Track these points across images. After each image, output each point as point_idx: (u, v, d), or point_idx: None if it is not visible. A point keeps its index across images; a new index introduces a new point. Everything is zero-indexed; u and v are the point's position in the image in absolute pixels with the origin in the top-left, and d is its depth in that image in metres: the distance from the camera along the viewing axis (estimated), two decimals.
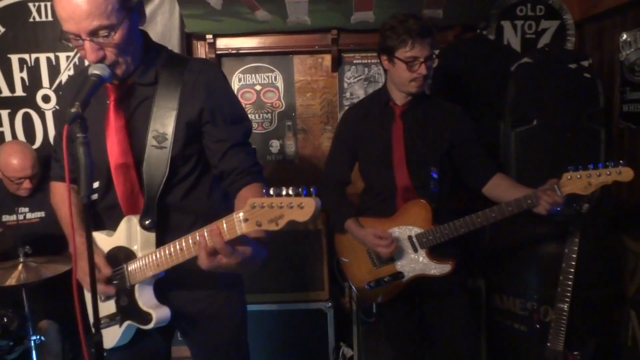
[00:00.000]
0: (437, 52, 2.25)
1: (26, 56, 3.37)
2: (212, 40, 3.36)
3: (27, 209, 3.00)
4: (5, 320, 2.60)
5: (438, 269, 2.23)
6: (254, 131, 3.34)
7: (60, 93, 3.15)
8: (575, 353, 2.25)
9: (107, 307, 1.63)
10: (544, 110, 2.80)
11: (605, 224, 2.66)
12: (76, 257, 1.39)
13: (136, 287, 1.57)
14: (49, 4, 3.31)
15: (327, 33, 3.37)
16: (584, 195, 2.00)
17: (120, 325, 1.62)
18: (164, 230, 1.59)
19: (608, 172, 1.93)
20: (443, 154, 2.28)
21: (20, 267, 2.40)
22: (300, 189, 1.15)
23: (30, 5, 3.32)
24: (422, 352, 2.48)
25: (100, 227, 1.68)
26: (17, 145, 3.01)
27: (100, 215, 1.71)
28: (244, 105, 1.71)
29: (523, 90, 2.82)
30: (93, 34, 1.37)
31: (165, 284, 1.61)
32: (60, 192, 1.77)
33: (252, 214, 1.21)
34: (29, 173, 2.88)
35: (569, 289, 2.21)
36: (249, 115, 3.15)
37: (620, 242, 2.67)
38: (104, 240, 1.65)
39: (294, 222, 1.16)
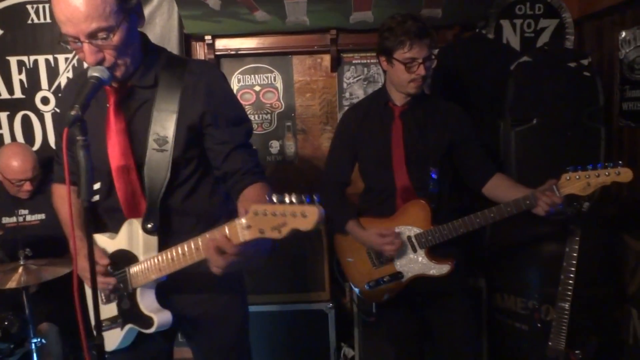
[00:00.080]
0: (436, 52, 2.25)
1: (25, 58, 3.37)
2: (211, 41, 3.36)
3: (26, 211, 3.00)
4: (6, 323, 2.60)
5: (437, 269, 2.23)
6: (253, 132, 3.34)
7: (60, 96, 3.15)
8: (576, 352, 2.25)
9: (109, 310, 1.63)
10: (543, 109, 2.80)
11: (606, 222, 2.66)
12: (76, 254, 1.38)
13: (138, 290, 1.57)
14: (47, 5, 3.31)
15: (326, 33, 3.36)
16: (585, 195, 2.00)
17: (122, 329, 1.62)
18: (165, 234, 1.58)
19: (607, 173, 1.92)
20: (443, 154, 2.28)
21: (20, 269, 2.39)
22: (303, 197, 1.15)
23: (29, 7, 3.32)
24: (423, 353, 2.48)
25: (102, 230, 1.68)
26: (17, 147, 3.01)
27: (103, 217, 1.71)
28: (243, 106, 1.71)
29: (523, 89, 2.82)
30: (92, 36, 1.36)
31: (167, 287, 1.61)
32: (61, 194, 1.77)
33: (254, 221, 1.20)
34: (30, 175, 2.88)
35: (570, 287, 2.21)
36: (249, 116, 3.16)
37: (620, 241, 2.67)
38: (106, 243, 1.65)
39: (297, 231, 1.14)
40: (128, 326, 1.61)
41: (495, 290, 2.87)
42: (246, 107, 3.48)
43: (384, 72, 2.30)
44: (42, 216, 3.00)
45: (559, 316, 2.24)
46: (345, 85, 3.53)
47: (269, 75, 3.52)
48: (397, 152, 2.28)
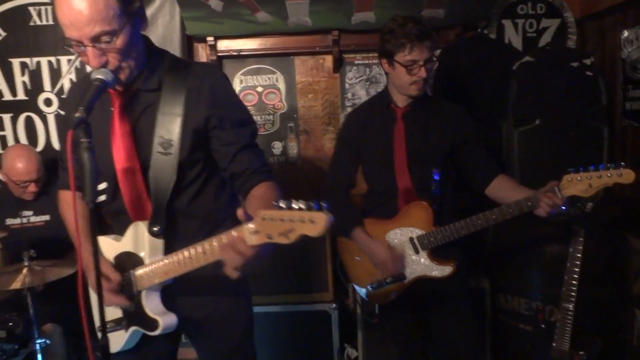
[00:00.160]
0: (437, 52, 2.25)
1: (27, 60, 3.38)
2: (213, 42, 3.37)
3: (31, 213, 3.01)
4: (11, 324, 2.60)
5: (439, 270, 2.23)
6: None
7: (64, 99, 3.15)
8: (581, 353, 2.24)
9: (113, 312, 1.64)
10: (546, 109, 2.79)
11: (610, 223, 2.65)
12: (85, 268, 1.38)
13: (143, 293, 1.58)
14: (49, 7, 3.32)
15: (328, 34, 3.36)
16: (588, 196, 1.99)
17: (126, 330, 1.62)
18: (171, 236, 1.59)
19: (609, 174, 1.91)
20: (445, 156, 2.28)
21: (25, 270, 2.40)
22: (312, 203, 1.14)
23: (31, 9, 3.33)
24: (426, 354, 2.48)
25: (107, 232, 1.69)
26: (22, 149, 3.02)
27: (108, 220, 1.71)
28: (247, 108, 1.71)
29: (525, 89, 2.82)
30: (95, 39, 1.36)
31: (172, 290, 1.61)
32: (67, 201, 1.77)
33: (262, 226, 1.20)
34: (34, 177, 2.88)
35: (574, 288, 2.20)
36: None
37: (624, 241, 2.66)
38: (111, 245, 1.65)
39: (305, 237, 1.15)
40: (132, 328, 1.61)
41: (499, 291, 2.86)
42: (248, 108, 3.48)
43: (386, 74, 2.30)
44: (46, 217, 3.01)
45: (563, 317, 2.24)
46: (347, 85, 3.53)
47: (271, 76, 3.52)
48: (399, 154, 2.28)
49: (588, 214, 2.16)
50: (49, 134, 3.44)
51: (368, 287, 2.32)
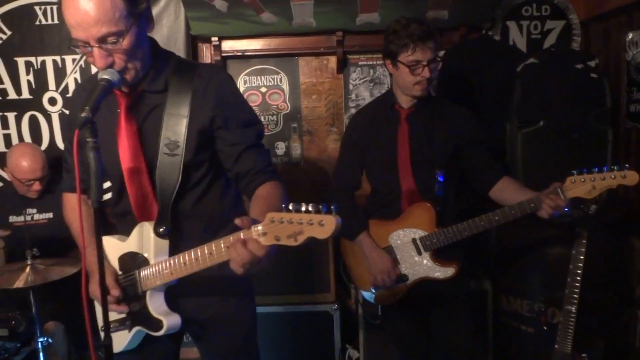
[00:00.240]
0: (441, 54, 2.26)
1: (32, 59, 3.38)
2: (217, 43, 3.37)
3: (34, 210, 3.02)
4: (13, 322, 2.61)
5: (442, 272, 2.23)
6: None
7: (70, 99, 3.16)
8: (583, 355, 2.24)
9: (117, 312, 1.64)
10: (550, 110, 2.79)
11: (613, 225, 2.65)
12: (89, 272, 1.38)
13: (148, 293, 1.58)
14: (54, 7, 3.33)
15: (332, 35, 3.36)
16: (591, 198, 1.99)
17: (130, 330, 1.62)
18: (176, 237, 1.59)
19: (612, 176, 1.91)
20: (449, 157, 2.28)
21: (27, 269, 2.40)
22: (320, 206, 1.14)
23: (37, 8, 3.33)
24: (428, 355, 2.48)
25: (111, 233, 1.69)
26: (26, 147, 3.04)
27: (113, 222, 1.72)
28: (253, 109, 1.72)
29: (529, 91, 2.82)
30: (102, 40, 1.37)
31: (176, 290, 1.62)
32: (72, 205, 1.77)
33: (270, 228, 1.20)
34: (39, 175, 2.90)
35: (577, 290, 2.20)
36: None
37: (627, 243, 2.66)
38: (116, 245, 1.65)
39: (313, 239, 1.15)
40: (136, 328, 1.62)
41: (501, 292, 2.86)
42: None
43: (390, 75, 2.31)
44: (50, 215, 3.02)
45: (566, 319, 2.23)
46: (351, 86, 3.53)
47: (275, 76, 3.53)
48: (403, 155, 2.28)
49: (591, 216, 2.16)
50: (53, 133, 3.45)
51: (371, 288, 2.32)
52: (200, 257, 1.44)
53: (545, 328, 2.39)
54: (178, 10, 3.31)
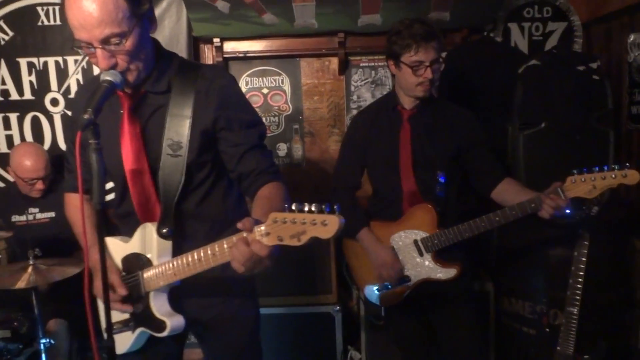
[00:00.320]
0: (443, 55, 2.26)
1: (35, 60, 3.39)
2: (219, 44, 3.37)
3: (37, 210, 3.03)
4: (16, 324, 2.62)
5: (444, 273, 2.23)
6: None
7: (72, 101, 3.17)
8: (585, 357, 2.24)
9: (120, 313, 1.64)
10: (552, 112, 2.79)
11: (615, 226, 2.65)
12: (92, 272, 1.38)
13: (151, 294, 1.58)
14: (57, 8, 3.33)
15: (334, 36, 3.37)
16: (592, 198, 1.99)
17: (133, 332, 1.63)
18: (180, 238, 1.60)
19: (613, 175, 1.90)
20: (450, 158, 2.28)
21: (29, 269, 2.40)
22: (323, 206, 1.15)
23: (39, 9, 3.34)
24: (430, 356, 2.48)
25: (114, 234, 1.69)
26: (30, 146, 3.05)
27: (116, 223, 1.72)
28: (255, 110, 1.72)
29: (531, 92, 2.81)
30: (105, 41, 1.37)
31: (180, 291, 1.62)
32: (74, 204, 1.78)
33: (273, 228, 1.20)
34: (42, 174, 2.91)
35: (579, 292, 2.20)
36: None
37: (630, 244, 2.66)
38: (119, 246, 1.65)
39: (317, 239, 1.15)
40: (140, 329, 1.62)
41: (503, 294, 2.86)
42: None
43: (393, 75, 2.31)
44: (52, 214, 3.03)
45: (568, 321, 2.23)
46: (353, 88, 3.53)
47: (277, 77, 3.53)
48: (405, 156, 2.28)
49: (593, 217, 2.16)
50: (55, 133, 3.46)
51: (374, 289, 2.32)
52: (203, 257, 1.44)
53: (547, 329, 2.39)
54: (180, 12, 3.32)
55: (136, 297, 1.59)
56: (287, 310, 3.02)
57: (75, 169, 1.33)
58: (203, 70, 1.60)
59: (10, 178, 3.13)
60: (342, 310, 3.02)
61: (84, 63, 3.39)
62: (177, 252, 1.56)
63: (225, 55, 3.42)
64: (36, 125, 3.45)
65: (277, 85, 3.54)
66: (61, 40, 3.35)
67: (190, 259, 1.48)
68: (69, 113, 3.37)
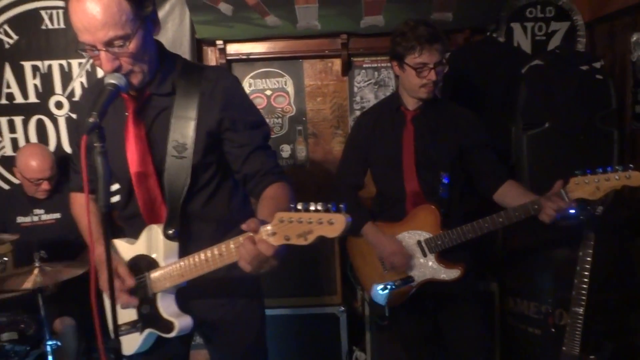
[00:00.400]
0: (447, 56, 2.26)
1: (39, 63, 3.40)
2: (222, 46, 3.38)
3: (42, 211, 3.04)
4: (22, 325, 2.63)
5: (447, 273, 2.23)
6: None
7: (77, 102, 3.18)
8: (591, 357, 2.23)
9: (128, 314, 1.65)
10: (555, 112, 2.79)
11: (620, 226, 2.64)
12: (97, 267, 1.39)
13: (158, 295, 1.59)
14: (60, 11, 3.35)
15: (337, 37, 3.37)
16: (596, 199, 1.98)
17: (141, 333, 1.63)
18: (186, 239, 1.60)
19: (617, 177, 1.89)
20: (454, 159, 2.28)
21: (35, 271, 2.41)
22: (329, 205, 1.15)
23: (43, 12, 3.35)
24: (435, 356, 2.48)
25: (119, 236, 1.70)
26: (35, 147, 3.08)
27: (121, 225, 1.73)
28: (259, 110, 1.72)
29: (534, 92, 2.81)
30: (108, 44, 1.38)
31: (186, 292, 1.62)
32: (80, 203, 1.79)
33: (280, 227, 1.21)
34: (48, 175, 2.93)
35: (584, 292, 2.19)
36: None
37: (634, 244, 2.65)
38: (125, 248, 1.66)
39: (323, 238, 1.15)
40: (147, 330, 1.62)
41: (508, 294, 2.86)
42: None
43: (397, 76, 2.31)
44: (57, 215, 3.04)
45: (573, 321, 2.22)
46: (356, 89, 3.53)
47: (280, 79, 3.54)
48: (408, 157, 2.28)
49: (598, 217, 2.15)
50: (59, 136, 3.47)
51: (378, 289, 2.32)
52: (210, 258, 1.45)
53: (552, 330, 2.38)
54: (183, 14, 3.32)
55: (143, 298, 1.60)
56: (292, 311, 3.03)
57: (81, 170, 1.33)
58: (207, 71, 1.61)
59: (16, 180, 3.14)
60: (347, 310, 3.02)
61: (88, 66, 3.40)
62: (183, 253, 1.56)
63: (228, 57, 3.43)
64: (41, 128, 3.46)
65: (281, 86, 3.55)
66: (65, 43, 3.36)
67: (197, 260, 1.49)
68: (74, 116, 3.38)
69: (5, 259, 2.87)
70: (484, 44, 3.38)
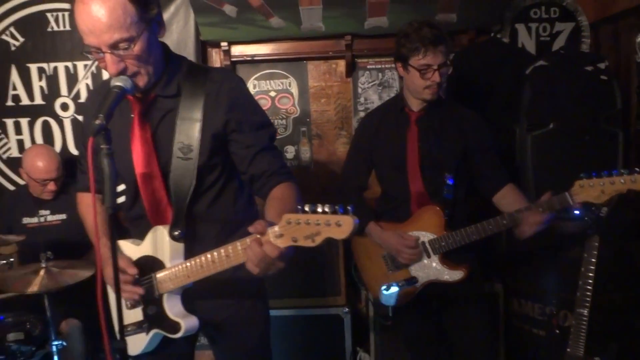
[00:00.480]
0: (451, 57, 2.26)
1: (45, 65, 3.43)
2: (227, 48, 3.39)
3: (48, 212, 3.06)
4: (29, 326, 2.64)
5: (451, 275, 2.23)
6: None
7: (83, 104, 3.19)
8: (595, 358, 2.22)
9: (134, 315, 1.66)
10: (560, 113, 2.78)
11: (625, 227, 2.63)
12: (102, 264, 1.40)
13: (164, 296, 1.60)
14: (66, 14, 3.37)
15: (341, 39, 3.38)
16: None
17: (147, 333, 1.64)
18: (191, 240, 1.61)
19: (622, 181, 1.89)
20: (458, 161, 2.28)
21: (42, 272, 2.42)
22: (336, 207, 1.16)
23: (49, 15, 3.38)
24: (439, 357, 2.48)
25: (125, 237, 1.71)
26: (42, 148, 3.10)
27: (127, 226, 1.74)
28: (265, 111, 1.73)
29: (539, 93, 2.81)
30: (113, 46, 1.39)
31: (192, 293, 1.63)
32: (87, 203, 1.81)
33: (287, 229, 1.21)
34: (54, 175, 2.95)
35: (589, 293, 2.18)
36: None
37: (639, 245, 2.64)
38: (131, 249, 1.67)
39: (331, 240, 1.16)
40: (154, 331, 1.63)
41: (513, 295, 2.85)
42: None
43: (401, 78, 2.32)
44: (63, 216, 3.06)
45: (578, 322, 2.22)
46: (360, 90, 3.54)
47: (284, 80, 3.54)
48: (412, 158, 2.29)
49: (603, 219, 2.15)
50: (65, 138, 3.49)
51: (383, 290, 2.32)
52: (217, 259, 1.46)
53: (557, 331, 2.37)
54: (188, 16, 3.34)
55: (149, 299, 1.61)
56: (297, 312, 3.03)
57: (87, 170, 1.34)
58: (212, 73, 1.62)
59: (21, 181, 3.16)
60: (351, 311, 3.03)
61: (93, 68, 3.42)
62: (188, 254, 1.57)
63: (232, 59, 3.44)
64: (47, 130, 3.48)
65: (285, 88, 3.55)
66: (71, 45, 3.38)
67: (203, 261, 1.49)
68: (79, 118, 3.40)
69: (11, 259, 2.89)
70: (488, 44, 3.38)
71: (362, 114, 3.45)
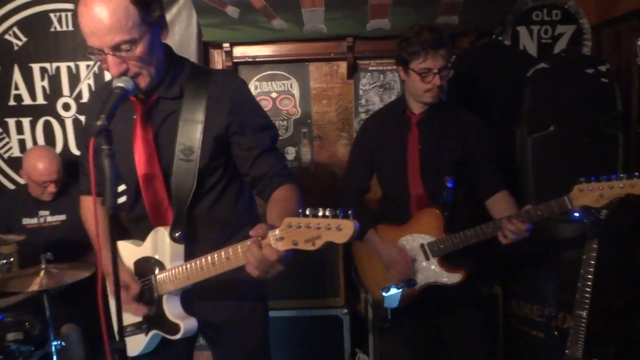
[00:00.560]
0: (452, 59, 2.27)
1: (47, 65, 3.44)
2: (229, 49, 3.40)
3: (47, 213, 3.07)
4: (28, 325, 2.64)
5: (449, 277, 2.23)
6: None
7: (85, 104, 3.21)
8: None
9: (134, 316, 1.66)
10: (561, 115, 2.78)
11: (624, 229, 2.63)
12: (104, 273, 1.39)
13: (164, 297, 1.60)
14: (69, 14, 3.38)
15: (343, 40, 3.38)
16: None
17: (146, 334, 1.64)
18: (192, 242, 1.62)
19: (621, 185, 1.89)
20: (458, 163, 2.29)
21: (42, 273, 2.43)
22: (337, 211, 1.16)
23: (52, 15, 3.39)
24: (438, 359, 2.48)
25: (126, 238, 1.72)
26: (42, 150, 3.10)
27: (128, 227, 1.74)
28: (267, 113, 1.74)
29: (540, 95, 2.81)
30: (115, 48, 1.40)
31: (192, 294, 1.64)
32: (88, 207, 1.81)
33: (288, 233, 1.21)
34: (54, 177, 2.96)
35: (588, 295, 2.19)
36: None
37: (638, 248, 2.64)
38: (132, 250, 1.68)
39: (331, 244, 1.16)
40: (153, 332, 1.64)
41: (511, 297, 2.85)
42: None
43: (402, 81, 2.32)
44: (62, 217, 3.07)
45: (577, 324, 2.22)
46: (361, 92, 3.54)
47: (286, 82, 3.55)
48: (412, 160, 2.29)
49: (602, 221, 2.15)
50: (66, 138, 3.50)
51: (381, 291, 2.33)
52: (217, 261, 1.46)
53: (555, 333, 2.38)
54: (190, 17, 3.35)
55: (149, 300, 1.61)
56: (296, 313, 3.03)
57: (89, 172, 1.35)
58: (215, 75, 1.62)
59: (22, 181, 3.17)
60: (350, 313, 3.03)
61: (95, 68, 3.43)
62: (188, 255, 1.58)
63: (234, 60, 3.45)
64: (48, 130, 3.49)
65: (286, 89, 3.56)
66: (73, 45, 3.40)
67: (204, 263, 1.49)
68: (81, 118, 3.41)
69: (11, 259, 2.90)
70: (489, 47, 3.38)
71: (363, 116, 3.46)
